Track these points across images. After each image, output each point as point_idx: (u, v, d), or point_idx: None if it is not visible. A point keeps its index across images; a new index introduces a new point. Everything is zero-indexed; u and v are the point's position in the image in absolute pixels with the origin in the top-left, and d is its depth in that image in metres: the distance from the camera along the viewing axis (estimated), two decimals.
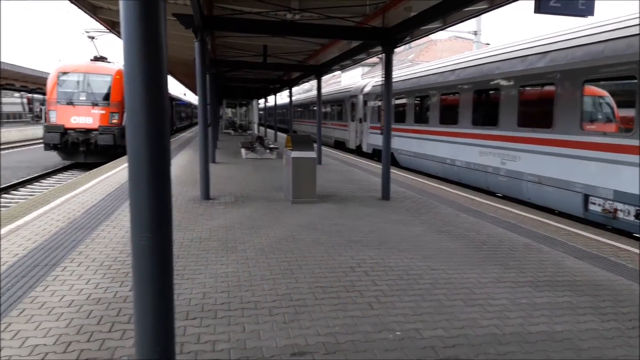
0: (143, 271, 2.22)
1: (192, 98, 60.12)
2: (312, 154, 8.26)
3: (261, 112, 42.96)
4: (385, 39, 8.13)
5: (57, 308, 3.69)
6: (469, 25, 21.54)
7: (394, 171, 12.68)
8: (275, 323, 3.52)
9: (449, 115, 12.05)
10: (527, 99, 9.12)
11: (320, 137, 15.21)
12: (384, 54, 8.40)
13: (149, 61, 2.06)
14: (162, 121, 2.15)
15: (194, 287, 4.21)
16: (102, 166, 13.05)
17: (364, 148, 19.27)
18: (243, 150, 16.79)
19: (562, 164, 8.09)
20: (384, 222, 6.96)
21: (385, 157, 8.85)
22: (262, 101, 39.14)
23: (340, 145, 23.12)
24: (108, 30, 12.29)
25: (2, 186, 12.40)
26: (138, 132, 2.11)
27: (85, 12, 9.70)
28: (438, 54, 40.45)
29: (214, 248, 5.44)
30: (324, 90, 23.78)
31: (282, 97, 47.45)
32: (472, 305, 3.95)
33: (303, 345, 3.19)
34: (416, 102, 14.05)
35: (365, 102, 19.06)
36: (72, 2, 8.74)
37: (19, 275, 4.37)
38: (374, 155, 18.21)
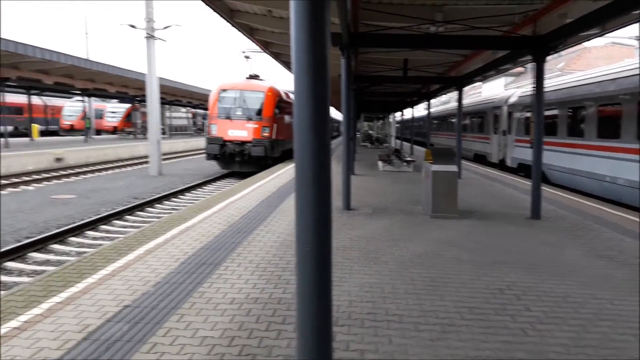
0: (305, 277, 2.36)
1: (331, 113, 62.31)
2: (454, 168, 8.05)
3: (397, 125, 43.00)
4: (537, 47, 7.62)
5: (221, 304, 4.13)
6: (630, 30, 19.14)
7: (544, 188, 11.71)
8: (422, 339, 3.51)
9: (609, 128, 10.80)
10: None
11: (459, 150, 14.71)
12: (534, 63, 7.86)
13: (315, 79, 2.21)
14: (324, 136, 2.28)
15: (341, 295, 4.38)
16: (254, 175, 14.23)
17: (508, 162, 18.12)
18: (380, 163, 16.96)
19: None
20: (534, 243, 6.48)
21: (536, 172, 8.24)
22: (398, 114, 39.18)
23: (480, 158, 22.07)
24: (262, 50, 13.42)
25: (171, 191, 14.19)
26: (305, 147, 2.26)
27: (243, 34, 10.74)
28: (592, 62, 36.59)
29: (357, 257, 5.59)
30: (463, 102, 22.97)
31: (418, 110, 46.93)
32: None
33: None
34: (569, 113, 12.85)
35: (510, 114, 17.96)
36: (233, 26, 9.75)
37: (189, 272, 4.98)
38: (520, 170, 17.02)
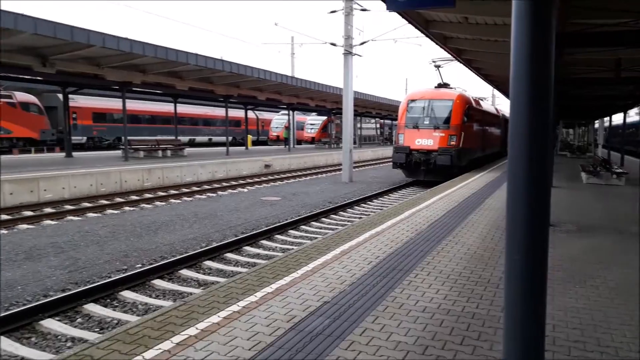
0: (513, 292, 2.25)
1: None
2: None
3: (604, 132, 37.56)
4: None
5: (413, 311, 4.22)
6: None
7: None
8: None
9: None
10: None
11: None
12: None
13: (536, 84, 2.10)
14: (544, 145, 2.15)
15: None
16: (440, 185, 14.05)
17: None
18: (583, 175, 15.07)
19: None
20: None
21: None
22: (605, 119, 34.22)
23: None
24: (454, 58, 13.23)
25: (361, 197, 14.91)
26: (520, 155, 2.17)
27: (437, 43, 10.76)
28: None
29: (560, 279, 5.12)
30: None
31: (630, 116, 40.23)
32: None
33: None
34: None
35: None
36: (427, 36, 9.86)
37: (381, 275, 5.20)
38: None
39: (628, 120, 35.36)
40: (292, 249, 8.29)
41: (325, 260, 5.79)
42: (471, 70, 15.54)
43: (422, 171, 18.21)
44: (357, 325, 3.89)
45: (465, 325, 3.93)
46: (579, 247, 6.49)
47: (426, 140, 17.98)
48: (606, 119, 32.49)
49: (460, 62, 13.94)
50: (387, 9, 6.20)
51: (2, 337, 5.00)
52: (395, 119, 47.24)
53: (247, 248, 8.89)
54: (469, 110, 19.12)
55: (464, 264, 5.68)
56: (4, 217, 10.76)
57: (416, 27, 9.86)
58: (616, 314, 4.17)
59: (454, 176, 17.62)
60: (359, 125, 44.87)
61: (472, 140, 19.75)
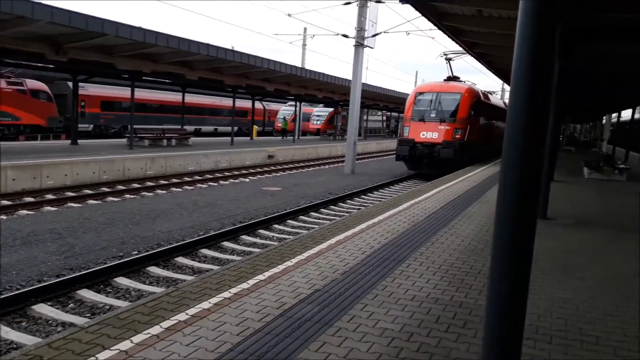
0: (500, 281, 2.24)
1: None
2: None
3: (611, 127, 37.26)
4: None
5: (402, 299, 4.27)
6: None
7: None
8: None
9: None
10: None
11: None
12: None
13: (535, 80, 2.10)
14: (537, 141, 2.16)
15: (529, 307, 4.11)
16: (441, 178, 14.06)
17: None
18: (586, 169, 15.03)
19: None
20: None
21: None
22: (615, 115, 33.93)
23: None
24: (465, 52, 13.18)
25: (361, 189, 14.96)
26: (514, 149, 2.18)
27: (449, 36, 10.74)
28: None
29: (549, 270, 5.16)
30: None
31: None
32: None
33: None
34: None
35: None
36: (440, 29, 9.85)
37: (374, 265, 5.26)
38: None
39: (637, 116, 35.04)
40: (289, 238, 8.34)
41: (320, 249, 5.84)
42: (482, 63, 15.47)
43: (425, 164, 18.21)
44: (346, 313, 3.95)
45: (451, 313, 3.98)
46: (573, 241, 6.51)
47: (431, 133, 17.96)
48: (614, 115, 32.21)
49: (472, 56, 13.88)
50: (401, 1, 6.22)
51: None
52: (402, 112, 47.22)
53: (245, 237, 8.96)
54: (477, 104, 19.04)
55: (457, 255, 5.72)
56: (5, 202, 10.88)
57: (430, 20, 9.85)
58: (600, 303, 4.21)
59: (457, 169, 17.60)
60: (365, 117, 44.80)
61: (477, 134, 19.69)
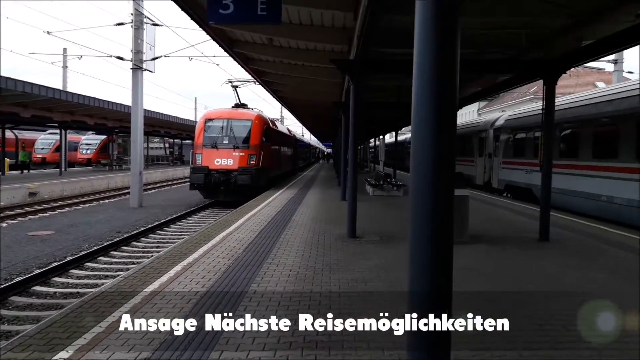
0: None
1: (307, 138, 62.61)
2: (465, 192, 7.83)
3: (371, 150, 43.24)
4: (549, 71, 7.57)
5: (252, 352, 3.66)
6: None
7: (533, 208, 11.66)
8: None
9: (605, 148, 10.87)
10: None
11: None
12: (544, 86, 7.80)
13: (443, 105, 1.94)
14: (450, 165, 2.02)
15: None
16: (245, 205, 13.72)
17: (494, 184, 18.18)
18: (369, 188, 16.75)
19: None
20: (560, 266, 6.25)
21: (545, 194, 8.12)
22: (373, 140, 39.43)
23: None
24: (254, 80, 13.19)
25: (156, 223, 13.58)
26: (424, 176, 2.01)
27: (239, 63, 10.51)
28: (562, 85, 37.57)
29: (385, 290, 5.21)
30: None
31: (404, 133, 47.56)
32: None
33: None
34: (563, 134, 12.94)
35: (496, 137, 18.11)
36: (230, 55, 9.52)
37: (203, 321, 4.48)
38: (506, 191, 17.07)
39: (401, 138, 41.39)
40: (71, 303, 6.80)
41: (134, 305, 4.74)
42: (269, 92, 15.83)
43: (222, 191, 17.69)
44: None
45: (312, 356, 3.55)
46: (389, 257, 6.84)
47: (226, 160, 17.56)
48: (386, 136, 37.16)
49: (260, 84, 14.01)
50: (209, 21, 5.70)
51: None
52: (186, 138, 45.66)
53: (16, 298, 6.99)
54: (267, 130, 19.47)
55: (291, 287, 5.37)
56: None
57: (220, 46, 9.51)
58: None
59: (255, 195, 17.57)
60: (145, 144, 41.91)
61: (270, 160, 20.12)
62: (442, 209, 2.01)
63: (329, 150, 66.04)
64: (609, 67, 22.43)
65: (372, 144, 42.48)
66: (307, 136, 64.67)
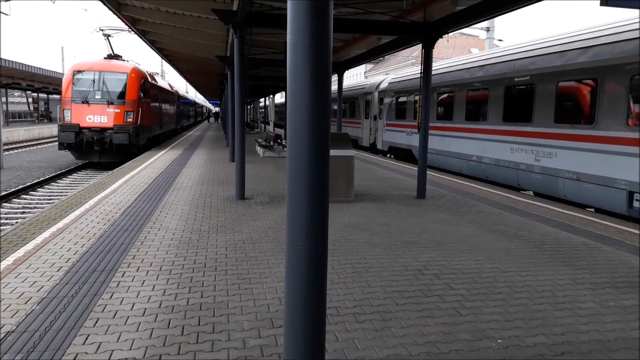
0: (298, 280, 2.15)
1: (192, 95, 59.91)
2: (350, 152, 8.09)
3: (262, 109, 42.78)
4: (427, 33, 7.94)
5: (132, 317, 3.50)
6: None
7: (412, 167, 12.54)
8: (367, 331, 3.35)
9: (476, 112, 11.89)
10: (566, 95, 8.96)
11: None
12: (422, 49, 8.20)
13: (316, 63, 1.91)
14: (325, 128, 2.01)
15: (267, 292, 4.04)
16: (123, 166, 12.83)
17: (379, 145, 19.10)
18: (259, 149, 16.61)
19: (605, 161, 7.94)
20: (431, 221, 6.80)
21: (422, 155, 8.68)
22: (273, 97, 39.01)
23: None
24: (127, 28, 12.08)
25: (20, 187, 12.20)
26: (301, 138, 1.99)
27: (110, 8, 9.50)
28: (441, 51, 40.17)
29: (270, 250, 5.26)
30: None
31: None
32: (562, 309, 3.79)
33: (407, 356, 3.02)
34: (440, 98, 13.87)
35: (380, 100, 18.88)
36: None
37: (81, 282, 4.18)
38: (389, 152, 18.04)
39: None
40: None
41: None
42: (146, 42, 14.62)
43: (97, 152, 16.30)
44: (65, 352, 2.95)
45: (195, 319, 3.49)
46: (277, 217, 6.90)
47: (99, 117, 16.10)
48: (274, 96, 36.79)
49: (135, 33, 12.87)
50: None
51: None
52: (53, 93, 41.02)
53: None
54: (145, 85, 18.14)
55: (174, 250, 5.18)
56: None
57: None
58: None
59: (134, 156, 16.52)
60: (3, 99, 36.96)
61: (150, 117, 18.90)
62: (319, 168, 2.02)
63: (217, 109, 64.07)
64: (483, 35, 24.29)
65: (262, 104, 41.99)
66: (193, 93, 61.87)
